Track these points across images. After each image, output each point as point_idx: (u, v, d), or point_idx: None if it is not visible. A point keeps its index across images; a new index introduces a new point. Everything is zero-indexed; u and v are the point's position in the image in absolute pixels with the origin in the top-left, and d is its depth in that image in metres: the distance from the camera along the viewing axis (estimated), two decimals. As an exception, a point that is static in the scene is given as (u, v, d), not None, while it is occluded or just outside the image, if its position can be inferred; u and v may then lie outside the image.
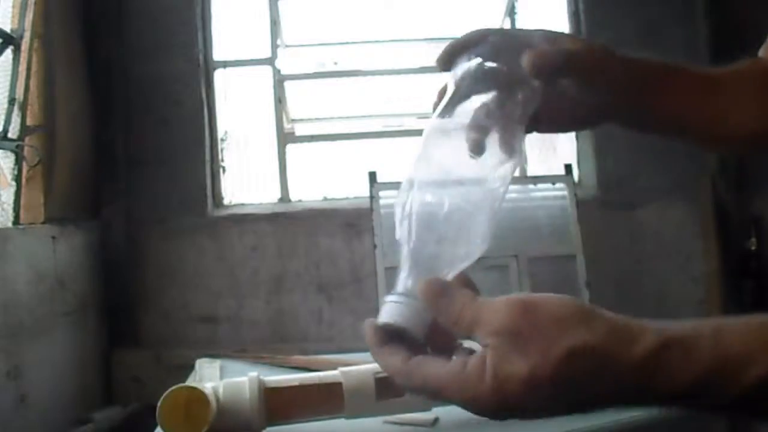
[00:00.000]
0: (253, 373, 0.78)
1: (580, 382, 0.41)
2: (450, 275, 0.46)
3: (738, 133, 0.68)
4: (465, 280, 0.47)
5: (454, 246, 0.47)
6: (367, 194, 2.44)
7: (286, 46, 3.07)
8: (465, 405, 0.41)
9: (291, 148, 3.00)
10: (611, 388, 0.41)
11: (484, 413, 0.41)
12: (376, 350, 0.48)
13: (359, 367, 0.79)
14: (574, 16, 3.05)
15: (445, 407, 0.79)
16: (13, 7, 2.24)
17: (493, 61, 0.52)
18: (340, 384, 0.76)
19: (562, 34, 0.56)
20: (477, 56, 0.52)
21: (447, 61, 0.54)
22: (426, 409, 0.79)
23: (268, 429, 0.77)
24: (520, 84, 0.51)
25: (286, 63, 3.01)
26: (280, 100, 2.97)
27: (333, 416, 0.78)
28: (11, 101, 2.22)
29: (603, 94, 0.59)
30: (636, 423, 0.73)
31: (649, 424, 0.74)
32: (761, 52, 0.71)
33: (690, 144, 0.70)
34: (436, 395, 0.42)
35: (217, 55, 2.96)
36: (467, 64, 0.52)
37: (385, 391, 0.76)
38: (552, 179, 2.62)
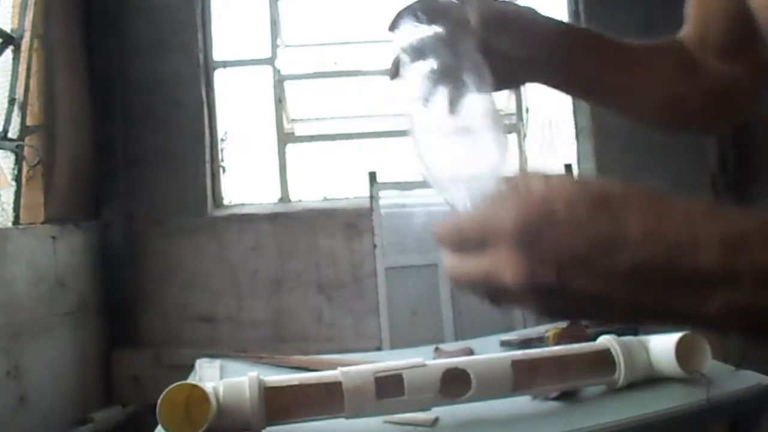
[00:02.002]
0: (253, 373, 0.78)
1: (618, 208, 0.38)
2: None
3: (649, 102, 0.74)
4: None
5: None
6: (367, 194, 2.44)
7: (286, 46, 3.07)
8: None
9: (291, 148, 3.00)
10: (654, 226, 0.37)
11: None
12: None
13: (359, 367, 0.79)
14: (574, 16, 3.06)
15: (446, 407, 0.79)
16: (13, 7, 2.24)
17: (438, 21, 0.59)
18: (339, 384, 0.76)
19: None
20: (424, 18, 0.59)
21: (394, 25, 0.60)
22: (425, 408, 0.79)
23: (268, 429, 0.77)
24: (464, 42, 0.57)
25: (286, 63, 3.01)
26: (280, 100, 2.97)
27: (333, 416, 0.78)
28: (11, 101, 2.22)
29: (533, 52, 0.64)
30: (636, 423, 0.73)
31: (650, 424, 0.74)
32: (682, 31, 0.79)
33: (609, 109, 0.76)
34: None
35: (217, 55, 2.96)
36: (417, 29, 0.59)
37: (385, 391, 0.76)
38: (552, 179, 2.62)
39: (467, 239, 0.42)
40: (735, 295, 0.35)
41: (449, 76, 0.56)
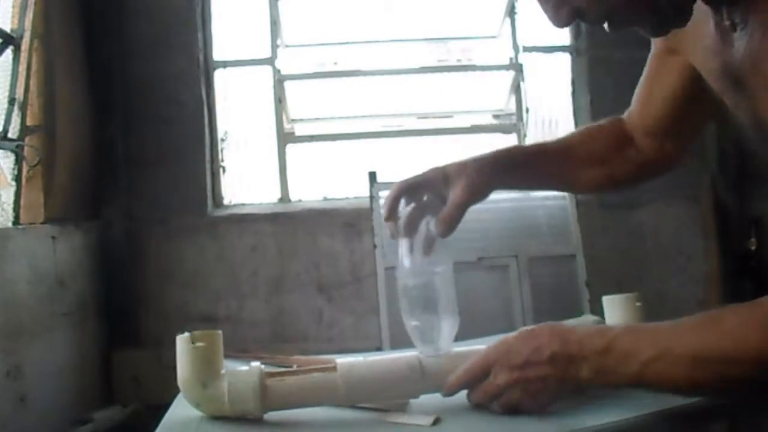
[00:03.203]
0: (255, 362, 0.80)
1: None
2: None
3: (589, 185, 1.02)
4: None
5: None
6: (367, 194, 2.44)
7: (286, 46, 3.07)
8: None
9: (291, 148, 3.00)
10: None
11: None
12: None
13: (355, 358, 0.83)
14: (574, 16, 3.05)
15: (446, 408, 0.79)
16: (13, 7, 2.24)
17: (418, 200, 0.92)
18: (335, 371, 0.78)
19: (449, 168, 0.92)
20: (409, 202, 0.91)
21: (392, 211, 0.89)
22: (415, 396, 0.81)
23: (268, 414, 0.78)
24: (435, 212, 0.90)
25: (286, 63, 3.01)
26: (280, 100, 2.97)
27: (331, 403, 0.80)
28: (11, 101, 2.21)
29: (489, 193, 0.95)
30: (636, 423, 0.73)
31: (650, 424, 0.74)
32: (625, 114, 1.02)
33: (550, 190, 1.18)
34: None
35: (217, 55, 2.96)
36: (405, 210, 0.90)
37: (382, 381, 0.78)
38: (552, 179, 2.62)
39: (476, 375, 0.77)
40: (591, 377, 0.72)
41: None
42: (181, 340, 0.79)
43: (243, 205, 2.96)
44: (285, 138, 2.98)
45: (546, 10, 0.65)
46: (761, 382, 0.62)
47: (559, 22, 0.65)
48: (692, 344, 0.66)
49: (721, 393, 0.69)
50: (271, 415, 0.79)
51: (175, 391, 0.82)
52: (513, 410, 0.75)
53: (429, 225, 0.88)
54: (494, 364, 0.75)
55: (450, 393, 0.79)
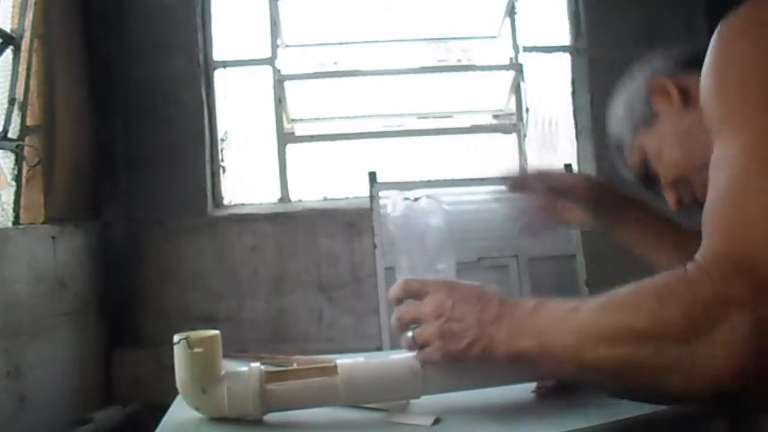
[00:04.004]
0: (255, 363, 0.80)
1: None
2: None
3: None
4: None
5: None
6: (367, 194, 2.44)
7: (286, 46, 3.07)
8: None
9: (291, 148, 3.00)
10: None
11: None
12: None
13: (355, 358, 0.82)
14: (574, 16, 3.06)
15: (446, 408, 0.79)
16: (13, 7, 2.24)
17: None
18: (336, 372, 0.78)
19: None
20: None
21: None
22: (416, 396, 0.81)
23: (268, 416, 0.78)
24: None
25: (286, 63, 3.01)
26: (280, 100, 2.97)
27: (331, 405, 0.80)
28: (11, 101, 2.21)
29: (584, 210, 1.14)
30: (636, 423, 0.73)
31: (650, 424, 0.74)
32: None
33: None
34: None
35: (217, 55, 2.96)
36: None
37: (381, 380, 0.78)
38: (552, 179, 2.62)
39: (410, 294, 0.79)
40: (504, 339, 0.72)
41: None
42: (179, 347, 0.78)
43: (243, 205, 2.96)
44: (285, 138, 2.98)
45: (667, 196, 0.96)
46: (647, 359, 0.58)
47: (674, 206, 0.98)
48: (585, 316, 0.66)
49: (608, 370, 0.63)
50: (271, 416, 0.78)
51: (175, 391, 0.82)
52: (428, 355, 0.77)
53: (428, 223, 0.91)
54: (425, 315, 0.77)
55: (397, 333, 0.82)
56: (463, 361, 0.74)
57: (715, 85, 0.65)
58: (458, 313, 0.74)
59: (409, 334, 0.79)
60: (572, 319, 0.66)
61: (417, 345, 0.78)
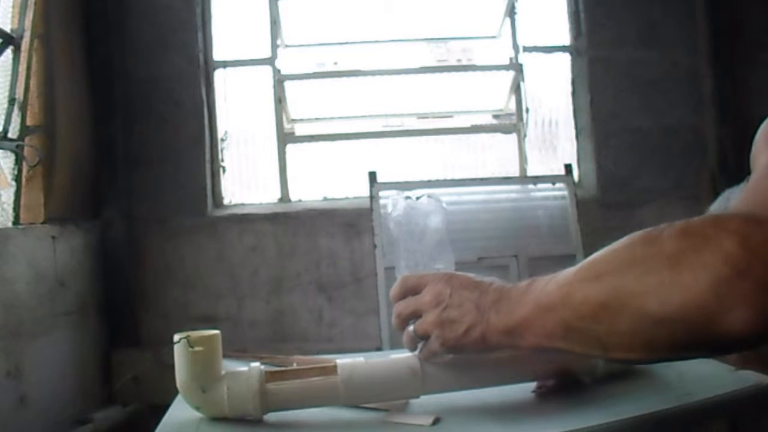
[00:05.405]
0: (255, 363, 0.80)
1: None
2: None
3: None
4: None
5: None
6: (367, 194, 2.44)
7: (286, 46, 3.07)
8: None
9: (291, 148, 3.00)
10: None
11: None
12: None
13: (355, 359, 0.82)
14: (574, 16, 3.05)
15: (446, 408, 0.79)
16: (13, 7, 2.24)
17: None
18: (336, 372, 0.78)
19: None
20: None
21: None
22: (415, 396, 0.81)
23: (267, 416, 0.78)
24: None
25: (286, 63, 3.01)
26: (280, 100, 2.97)
27: (331, 404, 0.80)
28: (11, 101, 2.21)
29: None
30: (636, 423, 0.73)
31: (650, 423, 0.74)
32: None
33: None
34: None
35: (217, 55, 2.96)
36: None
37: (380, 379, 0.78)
38: (552, 179, 2.62)
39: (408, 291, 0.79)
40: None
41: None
42: (179, 346, 0.78)
43: (243, 205, 2.96)
44: (285, 138, 2.99)
45: None
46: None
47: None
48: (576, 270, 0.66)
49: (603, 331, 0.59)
50: (271, 416, 0.78)
51: (175, 391, 0.82)
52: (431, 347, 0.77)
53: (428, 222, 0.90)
54: (423, 306, 0.77)
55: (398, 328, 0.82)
56: (463, 350, 0.74)
57: None
58: (457, 300, 0.74)
59: (410, 328, 0.79)
60: (563, 273, 0.67)
61: (417, 337, 0.78)
